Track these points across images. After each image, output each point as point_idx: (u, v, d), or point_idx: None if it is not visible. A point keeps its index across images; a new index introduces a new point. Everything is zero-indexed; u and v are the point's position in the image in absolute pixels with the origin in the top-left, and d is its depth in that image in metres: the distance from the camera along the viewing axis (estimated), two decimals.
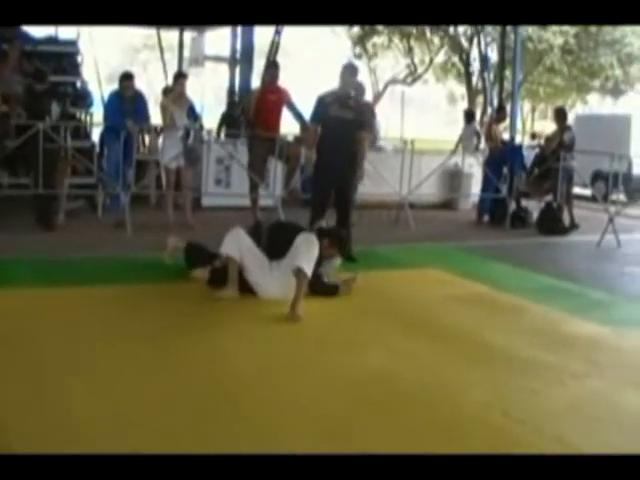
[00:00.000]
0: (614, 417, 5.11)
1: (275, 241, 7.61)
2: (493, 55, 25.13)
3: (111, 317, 6.58)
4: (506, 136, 16.06)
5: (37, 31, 13.46)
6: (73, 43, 13.75)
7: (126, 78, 11.74)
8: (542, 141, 15.25)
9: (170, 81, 13.40)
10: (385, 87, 39.57)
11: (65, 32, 14.14)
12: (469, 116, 17.35)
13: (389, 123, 27.61)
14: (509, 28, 18.17)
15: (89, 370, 5.29)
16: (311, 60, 48.61)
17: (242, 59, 15.40)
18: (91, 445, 4.10)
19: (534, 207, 14.27)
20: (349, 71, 9.73)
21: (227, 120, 16.11)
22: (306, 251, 7.16)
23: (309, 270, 7.07)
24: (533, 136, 15.69)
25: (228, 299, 7.22)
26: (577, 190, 16.73)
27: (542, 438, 4.66)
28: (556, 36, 31.37)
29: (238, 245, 7.35)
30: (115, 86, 12.05)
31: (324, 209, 9.53)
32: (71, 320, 6.41)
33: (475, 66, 28.83)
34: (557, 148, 13.71)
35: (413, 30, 31.22)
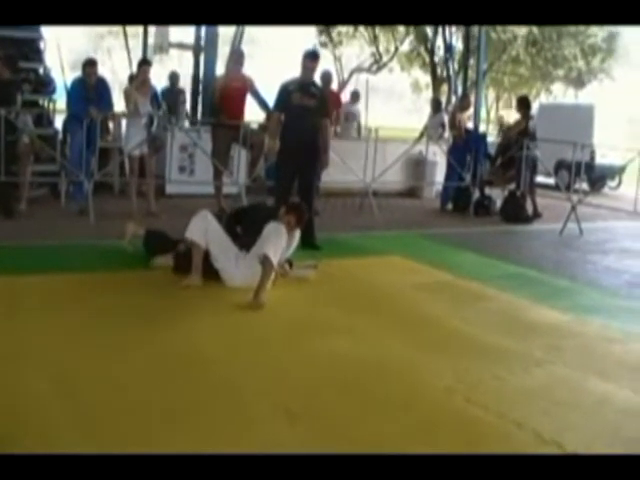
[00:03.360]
0: (576, 403, 5.15)
1: (247, 228, 7.60)
2: (458, 44, 25.21)
3: (74, 305, 6.53)
4: (470, 125, 16.11)
5: None
6: (36, 28, 13.58)
7: (90, 65, 11.61)
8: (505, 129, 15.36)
9: (135, 68, 13.30)
10: (350, 75, 39.55)
11: None
12: (436, 105, 17.37)
13: None
14: None
15: (50, 358, 5.24)
16: (276, 48, 48.44)
17: (206, 46, 15.30)
18: (52, 436, 4.10)
19: (497, 195, 14.35)
20: (310, 58, 9.69)
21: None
22: (274, 240, 7.12)
23: (275, 258, 7.04)
24: (501, 127, 15.73)
25: (192, 286, 7.20)
26: (541, 179, 16.84)
27: (503, 423, 4.70)
28: (520, 26, 31.48)
29: (205, 230, 7.30)
30: (79, 73, 11.93)
31: (287, 196, 9.52)
32: (32, 308, 6.35)
33: (440, 55, 28.85)
34: (521, 137, 13.79)
35: None
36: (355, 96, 18.19)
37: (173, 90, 16.18)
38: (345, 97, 19.60)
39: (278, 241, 7.16)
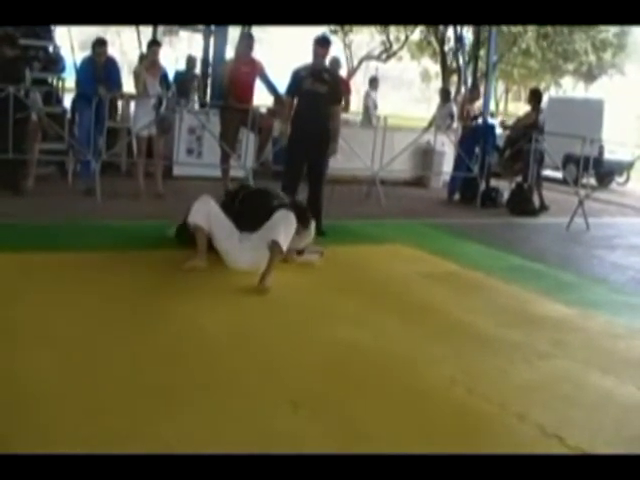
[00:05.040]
0: (578, 397, 5.14)
1: (249, 209, 7.58)
2: (468, 35, 25.10)
3: (79, 284, 6.53)
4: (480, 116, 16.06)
5: None
6: None
7: (99, 44, 11.58)
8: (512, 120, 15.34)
9: (144, 49, 13.28)
10: (360, 63, 39.54)
11: None
12: (445, 95, 17.31)
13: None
14: None
15: (53, 337, 5.25)
16: (286, 33, 48.42)
17: (217, 29, 15.27)
18: (53, 412, 4.11)
19: (505, 187, 14.32)
20: (320, 44, 9.65)
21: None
22: (284, 228, 7.13)
23: (285, 246, 7.05)
24: (504, 126, 15.79)
25: (197, 269, 7.18)
26: (549, 172, 16.81)
27: (505, 415, 4.69)
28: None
29: (207, 214, 7.30)
30: (88, 52, 11.91)
31: (296, 182, 9.51)
32: (37, 286, 6.35)
33: (450, 45, 28.80)
34: (529, 129, 13.74)
35: None
36: (374, 83, 18.14)
37: (188, 74, 16.14)
38: (355, 84, 19.53)
39: (289, 229, 7.17)
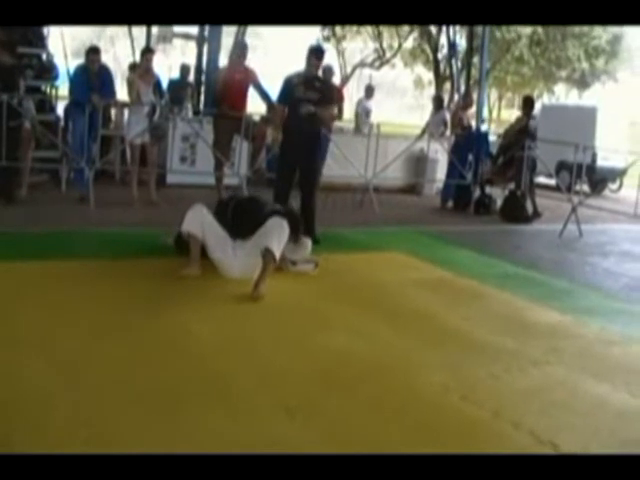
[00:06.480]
0: (572, 404, 5.13)
1: (241, 217, 7.58)
2: (461, 42, 25.14)
3: (72, 292, 6.52)
4: (472, 124, 16.09)
5: None
6: None
7: (93, 52, 11.58)
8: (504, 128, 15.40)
9: (137, 57, 13.29)
10: (353, 70, 39.56)
11: None
12: (438, 103, 17.32)
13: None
14: None
15: (50, 344, 5.24)
16: (279, 41, 48.50)
17: (210, 37, 15.30)
18: (53, 414, 4.10)
19: (498, 194, 14.34)
20: (315, 55, 9.66)
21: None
22: (277, 235, 7.17)
23: (278, 253, 7.07)
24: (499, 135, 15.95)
25: (190, 277, 7.18)
26: (542, 179, 16.82)
27: (499, 422, 4.68)
28: (524, 26, 31.42)
29: (200, 222, 7.32)
30: (82, 60, 11.91)
31: (288, 189, 9.50)
32: (32, 295, 6.34)
33: (443, 52, 28.83)
34: (521, 136, 13.76)
35: None
36: (369, 91, 18.16)
37: (181, 82, 16.13)
38: (348, 91, 19.52)
39: (282, 236, 7.20)
